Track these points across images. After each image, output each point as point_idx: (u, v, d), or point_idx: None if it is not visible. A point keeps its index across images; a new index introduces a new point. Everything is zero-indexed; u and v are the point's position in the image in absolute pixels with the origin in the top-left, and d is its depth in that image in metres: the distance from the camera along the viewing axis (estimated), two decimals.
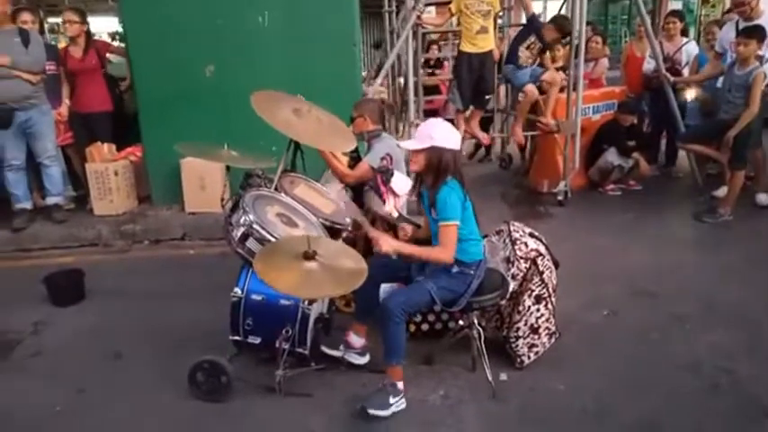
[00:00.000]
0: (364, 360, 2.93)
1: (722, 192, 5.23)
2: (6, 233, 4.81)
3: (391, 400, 2.56)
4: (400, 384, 2.59)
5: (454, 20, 5.52)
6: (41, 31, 6.92)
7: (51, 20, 14.32)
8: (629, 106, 5.88)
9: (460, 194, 2.60)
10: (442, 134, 2.59)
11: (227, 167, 3.21)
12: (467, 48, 5.11)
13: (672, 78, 5.69)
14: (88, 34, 5.30)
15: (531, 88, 5.26)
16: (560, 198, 5.52)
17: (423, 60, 6.41)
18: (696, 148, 5.43)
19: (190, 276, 4.14)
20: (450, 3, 5.26)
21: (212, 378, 2.67)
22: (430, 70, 7.03)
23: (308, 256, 2.30)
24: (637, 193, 5.84)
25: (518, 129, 5.72)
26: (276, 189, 2.96)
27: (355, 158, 3.72)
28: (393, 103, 6.62)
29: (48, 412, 2.72)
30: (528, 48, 5.25)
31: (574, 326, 3.26)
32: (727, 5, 6.74)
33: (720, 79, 5.22)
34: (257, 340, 2.68)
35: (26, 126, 4.62)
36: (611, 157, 5.71)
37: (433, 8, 7.51)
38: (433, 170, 2.59)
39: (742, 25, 5.04)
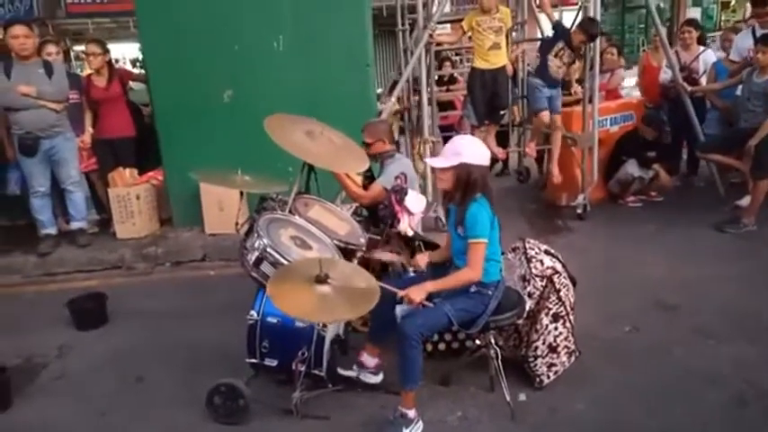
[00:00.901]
0: (378, 379, 2.92)
1: (746, 201, 5.13)
2: (33, 258, 4.94)
3: (405, 431, 2.53)
4: (411, 413, 2.56)
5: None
6: (67, 60, 7.17)
7: (77, 48, 14.80)
8: (651, 119, 5.78)
9: (490, 212, 2.57)
10: (471, 150, 2.57)
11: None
12: (479, 64, 5.13)
13: (689, 88, 5.63)
14: (110, 63, 5.46)
15: (544, 115, 5.21)
16: (579, 211, 5.47)
17: (436, 77, 6.44)
18: (716, 158, 5.34)
19: (210, 298, 4.19)
20: (462, 20, 5.29)
21: (230, 401, 2.69)
22: (444, 87, 7.05)
23: (321, 279, 2.32)
24: (657, 205, 5.76)
25: (532, 145, 5.70)
26: (290, 212, 2.99)
27: (369, 178, 3.75)
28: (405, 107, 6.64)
29: None
30: (557, 55, 5.17)
31: (594, 342, 3.21)
32: (749, 11, 6.64)
33: (739, 88, 5.14)
34: (274, 362, 2.69)
35: (51, 153, 4.76)
36: (632, 168, 5.64)
37: (448, 25, 7.56)
38: (462, 187, 2.57)
39: (759, 32, 4.98)
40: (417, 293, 2.52)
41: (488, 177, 2.66)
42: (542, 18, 5.66)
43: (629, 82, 7.21)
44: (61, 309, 3.84)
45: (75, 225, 5.09)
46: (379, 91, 7.97)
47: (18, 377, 3.20)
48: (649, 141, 5.68)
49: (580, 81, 5.73)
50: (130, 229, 5.17)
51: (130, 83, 5.78)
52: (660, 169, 5.65)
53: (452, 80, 7.41)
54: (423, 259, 2.90)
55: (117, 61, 13.08)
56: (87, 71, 5.48)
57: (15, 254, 5.03)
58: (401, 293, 2.53)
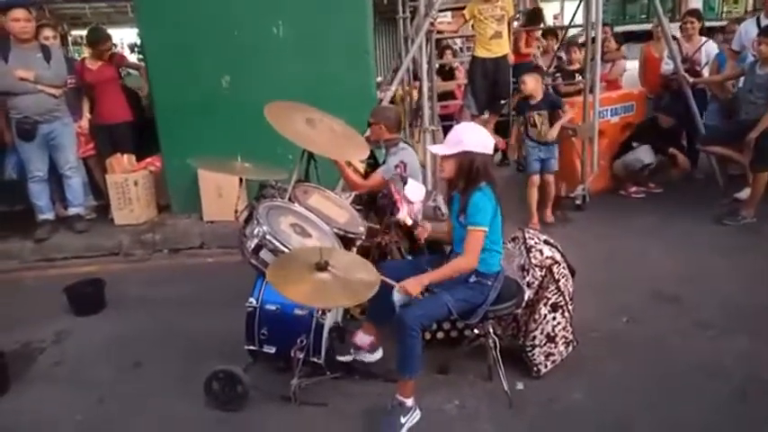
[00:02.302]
0: (376, 356, 2.93)
1: (745, 194, 5.12)
2: (30, 243, 4.92)
3: (402, 420, 2.52)
4: (409, 402, 2.55)
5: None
6: (64, 44, 7.13)
7: (74, 32, 14.67)
8: (670, 108, 5.73)
9: (494, 202, 2.56)
10: (474, 138, 2.55)
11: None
12: (481, 53, 5.10)
13: (691, 79, 5.60)
14: None
15: (535, 180, 5.02)
16: (578, 202, 5.46)
17: (437, 66, 6.41)
18: (717, 150, 5.33)
19: (208, 285, 4.18)
20: (464, 8, 5.25)
21: (228, 388, 2.69)
22: (442, 76, 7.02)
23: (321, 266, 2.31)
24: (657, 196, 5.74)
25: None
26: (290, 199, 2.97)
27: (372, 165, 3.73)
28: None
29: (68, 422, 2.77)
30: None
31: (592, 333, 3.22)
32: (750, 4, 6.60)
33: (741, 79, 5.12)
34: (272, 350, 2.69)
35: (49, 138, 4.74)
36: (643, 154, 5.57)
37: (449, 13, 7.50)
38: (464, 175, 2.55)
39: (765, 22, 4.94)
40: (414, 287, 2.51)
41: (491, 166, 2.65)
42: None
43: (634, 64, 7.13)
44: (59, 295, 3.83)
45: (72, 211, 5.08)
46: (379, 79, 7.92)
47: (15, 363, 3.19)
48: (665, 130, 5.66)
49: (581, 71, 5.70)
50: (128, 215, 5.16)
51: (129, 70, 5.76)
52: (678, 152, 5.61)
53: (451, 73, 7.38)
54: (423, 233, 2.92)
55: (115, 46, 12.98)
56: (85, 54, 5.46)
57: (13, 239, 5.01)
58: (398, 286, 2.52)
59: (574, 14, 6.15)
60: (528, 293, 2.84)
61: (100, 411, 2.85)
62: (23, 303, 4.10)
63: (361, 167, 3.78)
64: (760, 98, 4.68)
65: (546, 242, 3.00)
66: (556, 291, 2.88)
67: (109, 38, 5.39)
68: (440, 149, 2.64)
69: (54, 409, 2.88)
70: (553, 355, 2.92)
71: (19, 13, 4.52)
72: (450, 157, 2.56)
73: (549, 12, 6.29)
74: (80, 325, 3.72)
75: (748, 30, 5.23)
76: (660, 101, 6.16)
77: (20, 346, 3.47)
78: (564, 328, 2.94)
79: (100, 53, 5.25)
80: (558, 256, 2.92)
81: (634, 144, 5.69)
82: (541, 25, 6.94)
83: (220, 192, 4.99)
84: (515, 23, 6.28)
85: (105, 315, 3.86)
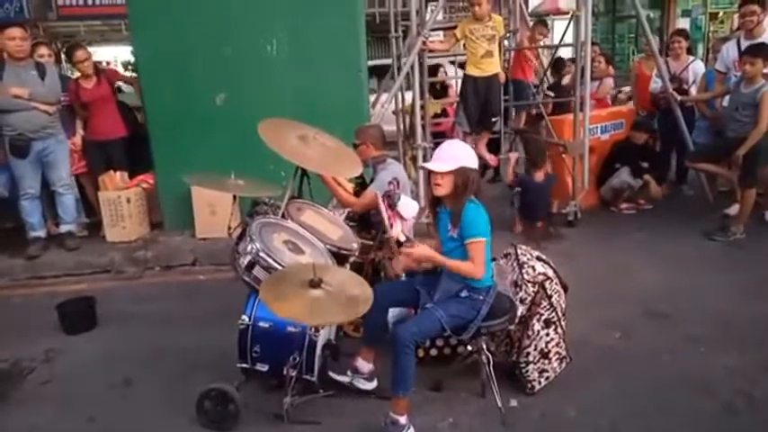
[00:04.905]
0: (372, 385, 2.91)
1: (734, 210, 5.18)
2: (21, 261, 4.88)
3: None
4: (402, 419, 2.54)
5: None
6: (58, 62, 7.15)
7: None
8: (643, 124, 5.86)
9: (485, 213, 2.62)
10: (466, 154, 2.62)
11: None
12: (472, 71, 5.15)
13: (679, 97, 5.69)
14: (95, 65, 5.42)
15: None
16: (570, 218, 5.50)
17: (429, 84, 6.46)
18: (705, 167, 5.40)
19: (200, 302, 4.17)
20: (455, 27, 5.33)
21: (220, 406, 2.67)
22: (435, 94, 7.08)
23: (314, 283, 2.31)
24: (647, 212, 5.79)
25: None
26: (283, 216, 2.98)
27: (360, 184, 3.75)
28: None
29: None
30: None
31: (585, 349, 3.22)
32: (736, 23, 6.72)
33: (725, 97, 5.21)
34: (265, 367, 2.68)
35: (43, 155, 4.74)
36: (626, 176, 5.68)
37: (441, 32, 7.60)
38: (460, 191, 2.59)
39: (744, 43, 5.05)
40: (419, 254, 2.68)
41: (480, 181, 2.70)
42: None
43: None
44: (50, 313, 3.80)
45: (64, 228, 5.05)
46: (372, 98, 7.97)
47: (4, 382, 3.18)
48: (642, 148, 5.73)
49: (569, 90, 5.78)
50: (120, 232, 5.14)
51: (122, 85, 5.75)
52: (651, 180, 5.69)
53: (444, 91, 7.45)
54: (398, 265, 2.94)
55: (108, 63, 13.03)
56: (76, 74, 5.45)
57: (2, 257, 4.98)
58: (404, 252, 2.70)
59: (564, 34, 6.25)
60: (521, 309, 2.85)
61: (91, 430, 2.81)
62: (13, 321, 4.06)
63: (350, 186, 3.80)
64: (746, 116, 4.76)
65: (538, 258, 3.02)
66: (549, 307, 2.89)
67: (81, 48, 5.34)
68: (438, 166, 2.62)
69: (44, 429, 2.84)
70: (547, 371, 2.93)
71: (15, 31, 4.55)
72: (448, 173, 2.59)
73: None
74: (70, 343, 3.68)
75: (729, 50, 5.34)
76: (652, 118, 6.25)
77: (9, 365, 3.43)
78: (557, 344, 2.95)
79: (81, 68, 5.20)
80: (550, 272, 2.94)
81: (617, 165, 5.76)
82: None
83: (213, 209, 4.98)
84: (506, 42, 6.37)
85: (96, 333, 3.83)
